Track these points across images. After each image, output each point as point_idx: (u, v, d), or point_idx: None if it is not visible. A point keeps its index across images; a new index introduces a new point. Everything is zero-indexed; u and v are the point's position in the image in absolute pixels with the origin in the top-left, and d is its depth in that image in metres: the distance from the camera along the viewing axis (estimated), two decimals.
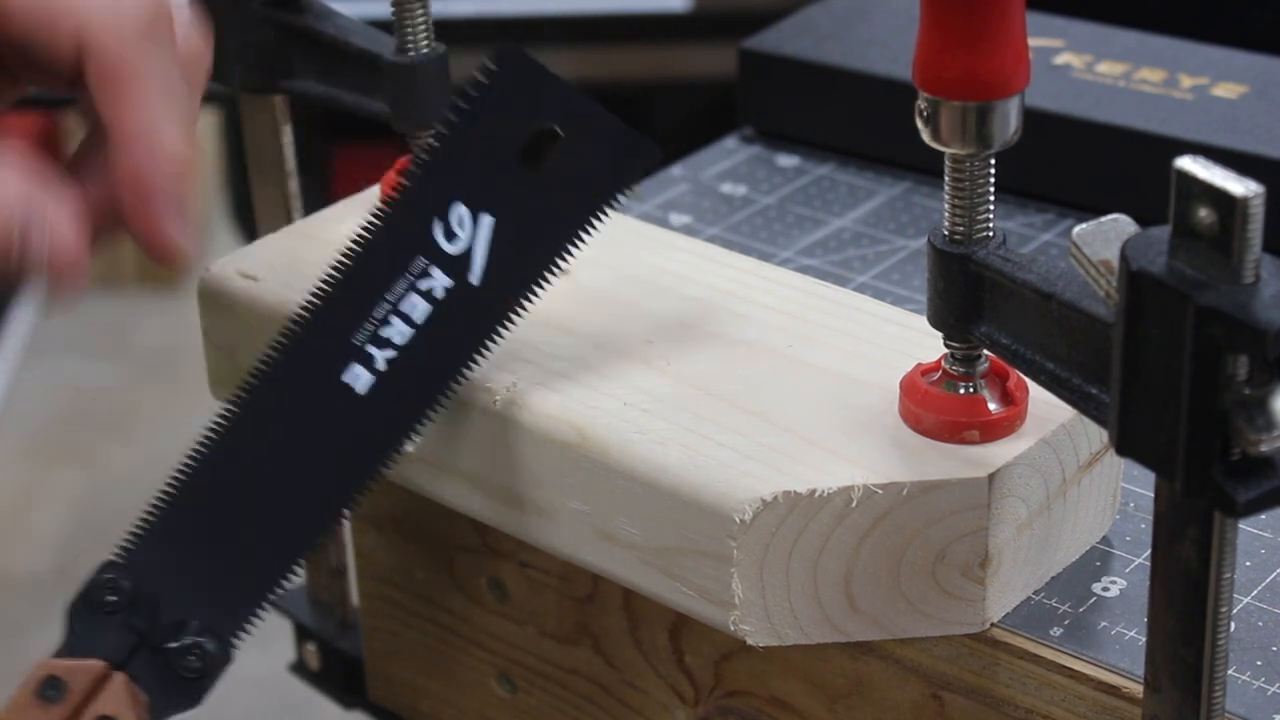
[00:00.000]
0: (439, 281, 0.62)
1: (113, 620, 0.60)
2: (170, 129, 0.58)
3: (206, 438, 0.62)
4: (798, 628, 0.60)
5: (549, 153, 0.63)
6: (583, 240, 0.64)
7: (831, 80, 0.92)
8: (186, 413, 2.46)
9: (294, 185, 0.83)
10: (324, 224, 0.76)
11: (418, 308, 0.62)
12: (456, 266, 0.62)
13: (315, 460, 0.63)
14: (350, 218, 0.75)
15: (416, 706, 0.82)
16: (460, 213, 0.62)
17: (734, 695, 0.69)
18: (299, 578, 0.90)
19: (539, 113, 0.63)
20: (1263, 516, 0.65)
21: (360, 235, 0.63)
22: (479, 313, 0.63)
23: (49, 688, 0.60)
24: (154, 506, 0.61)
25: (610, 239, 0.71)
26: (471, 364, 0.64)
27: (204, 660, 0.61)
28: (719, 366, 0.65)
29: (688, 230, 0.87)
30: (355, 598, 0.85)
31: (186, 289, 0.91)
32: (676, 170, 0.93)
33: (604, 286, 0.69)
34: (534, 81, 0.62)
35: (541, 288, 0.64)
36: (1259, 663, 0.59)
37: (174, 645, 0.61)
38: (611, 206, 0.64)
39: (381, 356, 0.62)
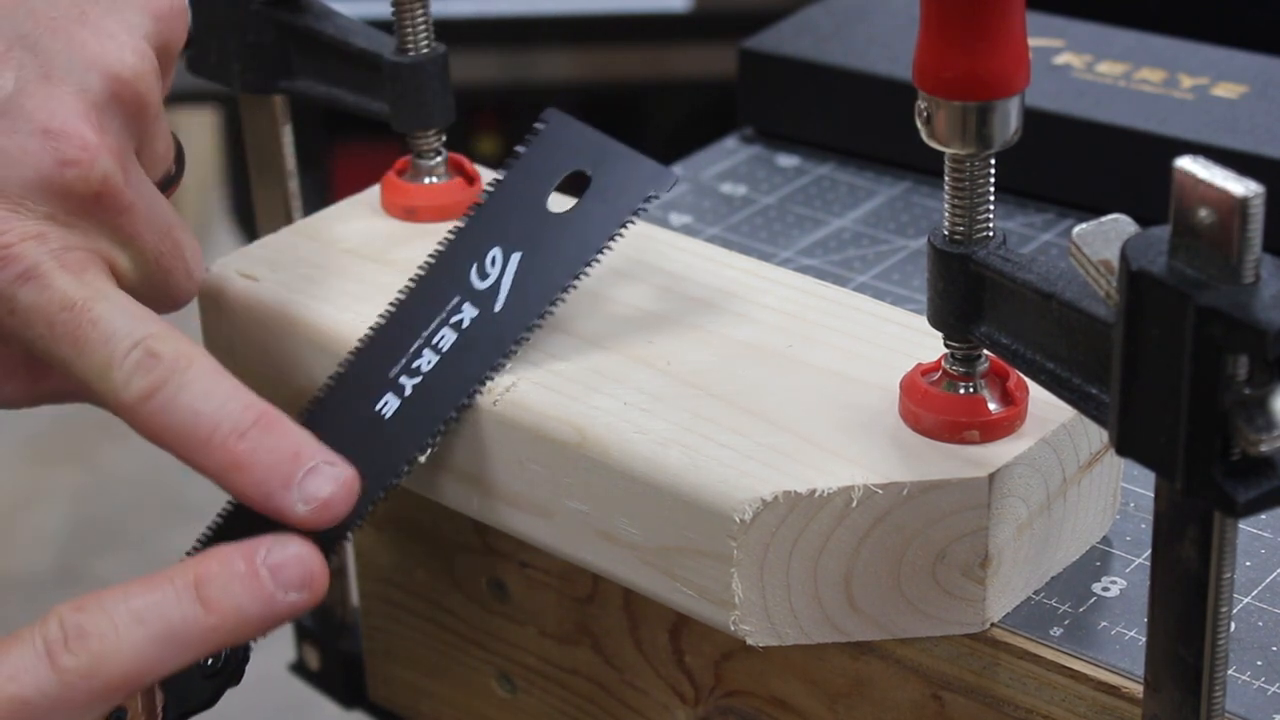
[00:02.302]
0: (468, 314, 0.65)
1: None
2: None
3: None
4: (798, 628, 0.60)
5: (577, 192, 0.66)
6: (599, 261, 0.66)
7: (831, 80, 0.92)
8: None
9: (294, 185, 0.83)
10: (324, 224, 0.76)
11: (446, 338, 0.65)
12: (484, 299, 0.65)
13: None
14: (350, 217, 0.76)
15: (416, 706, 0.82)
16: (495, 254, 0.65)
17: (734, 695, 0.69)
18: None
19: (572, 161, 0.66)
20: (1263, 516, 0.65)
21: (408, 285, 0.65)
22: (497, 335, 0.65)
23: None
24: (203, 538, 0.63)
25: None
26: (484, 382, 0.65)
27: (226, 660, 0.62)
28: (719, 366, 0.65)
29: (688, 230, 0.87)
30: (355, 598, 0.85)
31: None
32: (676, 170, 0.93)
33: (604, 287, 0.69)
34: (572, 137, 0.65)
35: (556, 306, 0.66)
36: (1259, 663, 0.59)
37: (196, 670, 0.61)
38: (626, 228, 0.66)
39: (410, 384, 0.64)
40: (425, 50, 0.73)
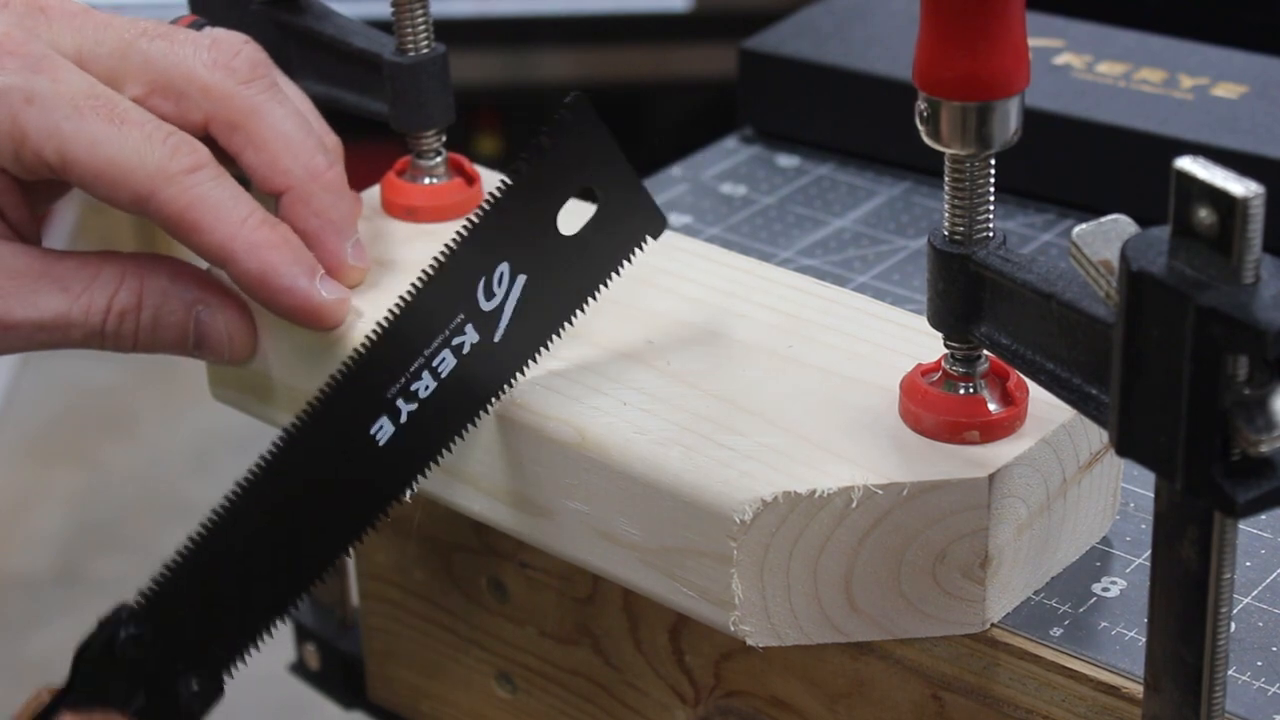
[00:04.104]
0: (469, 338, 0.63)
1: (127, 668, 0.61)
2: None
3: (234, 491, 0.61)
4: (798, 628, 0.60)
5: (583, 216, 0.64)
6: (591, 304, 0.65)
7: (831, 80, 0.92)
8: (186, 413, 2.47)
9: None
10: None
11: (446, 362, 0.63)
12: (487, 323, 0.63)
13: (328, 508, 0.63)
14: None
15: (416, 706, 0.82)
16: (503, 270, 0.63)
17: (734, 695, 0.69)
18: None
19: (586, 174, 0.64)
20: (1263, 516, 0.65)
21: (414, 287, 0.63)
22: (493, 368, 0.64)
23: None
24: (176, 558, 0.61)
25: None
26: (478, 418, 0.64)
27: (204, 701, 0.62)
28: (719, 366, 0.65)
29: (688, 230, 0.86)
30: (355, 598, 0.85)
31: None
32: (676, 170, 0.93)
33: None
34: (590, 139, 0.63)
35: (548, 349, 0.64)
36: (1259, 663, 0.59)
37: (181, 691, 0.61)
38: (619, 272, 0.65)
39: (406, 409, 0.62)
40: (425, 50, 0.73)
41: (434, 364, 0.62)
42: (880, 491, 0.58)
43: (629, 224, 0.65)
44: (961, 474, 0.58)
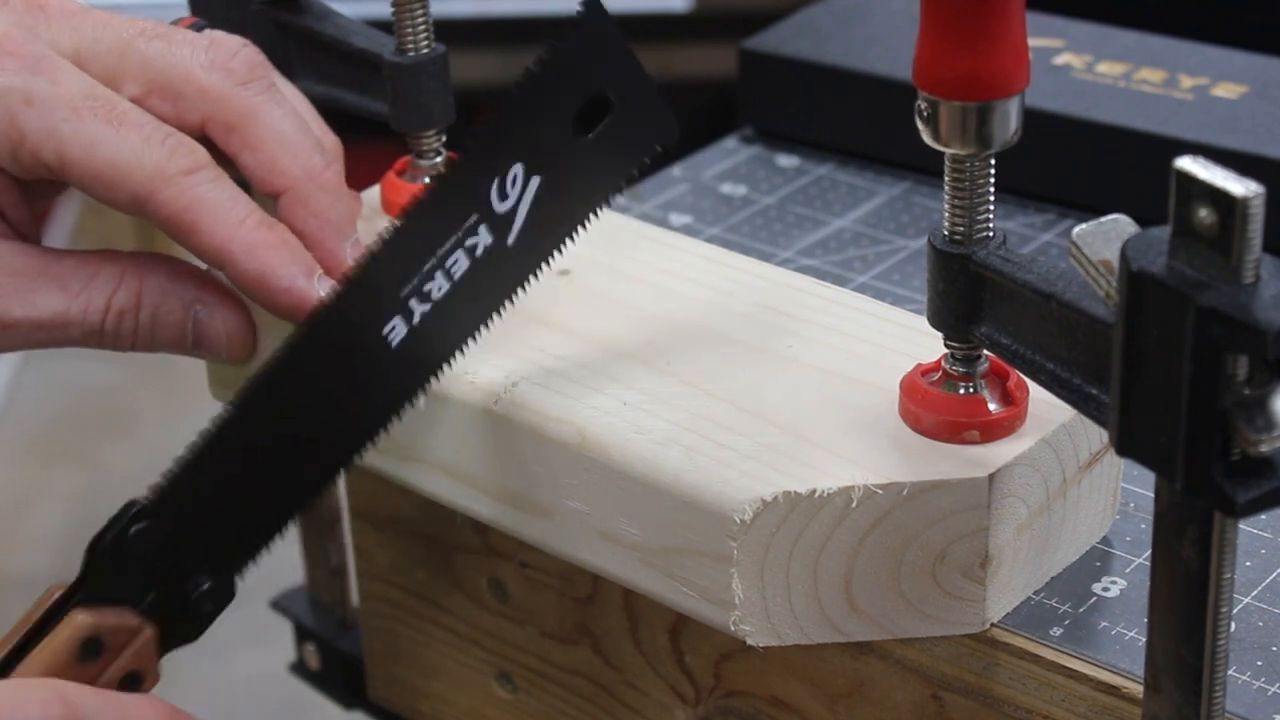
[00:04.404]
0: (483, 240, 0.62)
1: (138, 565, 0.60)
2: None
3: (245, 389, 0.61)
4: (798, 628, 0.60)
5: (598, 119, 0.63)
6: (602, 211, 0.64)
7: (831, 80, 0.92)
8: (186, 413, 2.46)
9: None
10: None
11: (459, 263, 0.62)
12: (500, 225, 0.62)
13: (339, 410, 0.62)
14: None
15: (416, 706, 0.82)
16: (516, 172, 0.62)
17: (734, 695, 0.69)
18: (299, 578, 0.91)
19: (601, 76, 0.63)
20: (1263, 516, 0.65)
21: (428, 188, 0.62)
22: (506, 272, 0.63)
23: (89, 649, 0.59)
24: (187, 454, 0.61)
25: (610, 239, 0.71)
26: (487, 324, 0.64)
27: (214, 602, 0.62)
28: (719, 366, 0.65)
29: (688, 230, 0.86)
30: (355, 598, 0.85)
31: None
32: (676, 170, 0.93)
33: (604, 287, 0.69)
34: (606, 42, 0.62)
35: (561, 254, 0.64)
36: (1259, 663, 0.59)
37: (192, 591, 0.61)
38: (632, 178, 0.65)
39: (419, 310, 0.62)
40: (425, 50, 0.73)
41: (447, 264, 0.62)
42: (880, 491, 0.58)
43: (643, 129, 0.64)
44: (961, 474, 0.58)
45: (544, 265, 0.64)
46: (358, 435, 0.63)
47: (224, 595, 0.62)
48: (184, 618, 0.61)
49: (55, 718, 0.55)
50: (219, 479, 0.61)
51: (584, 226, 0.64)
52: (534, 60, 0.62)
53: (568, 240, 0.64)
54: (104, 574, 0.60)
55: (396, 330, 0.62)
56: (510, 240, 0.63)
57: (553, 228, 0.64)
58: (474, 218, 0.62)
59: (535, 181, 0.62)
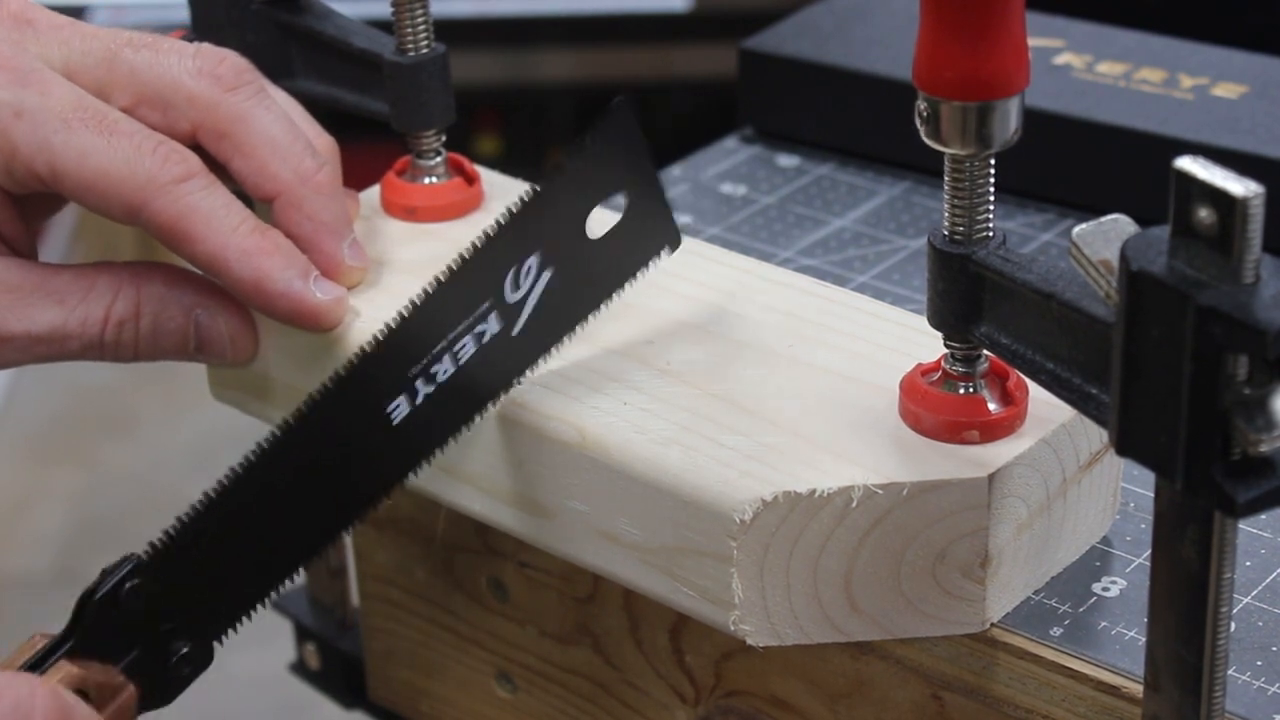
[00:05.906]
0: (491, 327, 0.63)
1: (127, 621, 0.60)
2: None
3: (250, 455, 0.61)
4: (798, 628, 0.60)
5: (608, 222, 0.64)
6: (602, 310, 0.65)
7: (831, 80, 0.92)
8: (186, 413, 2.47)
9: None
10: None
11: (467, 348, 0.63)
12: (510, 314, 0.63)
13: (336, 483, 0.63)
14: None
15: (416, 706, 0.82)
16: (532, 263, 0.63)
17: (734, 695, 0.69)
18: (299, 578, 0.90)
19: (620, 178, 0.64)
20: (1263, 516, 0.65)
21: (451, 268, 0.62)
22: (509, 361, 0.64)
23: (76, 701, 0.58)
24: (189, 514, 0.61)
25: None
26: (481, 413, 0.64)
27: (193, 665, 0.62)
28: (719, 366, 0.65)
29: (688, 230, 0.86)
30: (355, 598, 0.85)
31: None
32: (676, 170, 0.93)
33: None
34: (629, 144, 0.63)
35: (558, 350, 0.65)
36: (1259, 663, 0.59)
37: (172, 654, 0.61)
38: (632, 282, 0.65)
39: (423, 391, 0.62)
40: (425, 50, 0.73)
41: (455, 349, 0.62)
42: (880, 491, 0.58)
43: (649, 235, 0.65)
44: (961, 474, 0.58)
45: (541, 359, 0.64)
46: (348, 509, 0.63)
47: (202, 659, 0.62)
48: (162, 679, 0.61)
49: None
50: (215, 542, 0.61)
51: (582, 326, 0.65)
52: (564, 152, 0.63)
53: (566, 338, 0.65)
54: (95, 627, 0.60)
55: (400, 409, 0.62)
56: (515, 330, 0.63)
57: (554, 323, 0.64)
58: (488, 304, 0.63)
59: (547, 275, 0.63)
